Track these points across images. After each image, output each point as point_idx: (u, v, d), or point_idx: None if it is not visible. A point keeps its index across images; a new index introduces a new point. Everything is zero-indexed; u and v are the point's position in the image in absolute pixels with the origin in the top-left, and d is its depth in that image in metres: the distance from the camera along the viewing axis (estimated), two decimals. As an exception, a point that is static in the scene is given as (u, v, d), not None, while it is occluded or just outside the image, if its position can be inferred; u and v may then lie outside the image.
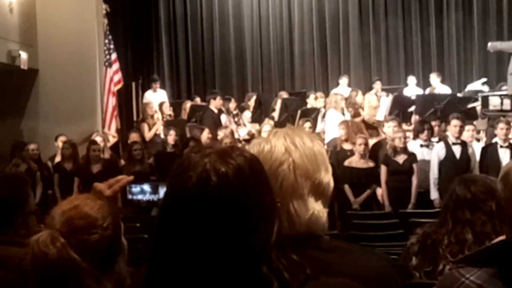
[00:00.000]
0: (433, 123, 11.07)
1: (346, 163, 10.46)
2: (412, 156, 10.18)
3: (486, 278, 2.07)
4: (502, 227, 2.19)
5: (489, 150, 10.31)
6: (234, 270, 1.57)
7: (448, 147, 10.10)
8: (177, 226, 1.61)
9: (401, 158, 10.13)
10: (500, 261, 2.07)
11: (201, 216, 1.58)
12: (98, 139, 11.94)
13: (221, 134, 11.98)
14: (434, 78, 17.06)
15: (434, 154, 10.21)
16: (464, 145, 10.13)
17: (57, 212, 2.28)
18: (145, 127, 14.20)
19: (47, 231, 2.17)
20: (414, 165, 10.11)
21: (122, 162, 12.11)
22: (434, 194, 9.99)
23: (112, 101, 13.70)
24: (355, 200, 10.27)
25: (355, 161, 10.47)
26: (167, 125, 13.84)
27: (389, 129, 10.95)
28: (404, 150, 10.18)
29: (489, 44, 13.63)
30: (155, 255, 1.66)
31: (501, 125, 10.29)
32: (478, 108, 13.35)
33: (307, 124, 12.11)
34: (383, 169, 10.23)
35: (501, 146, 10.16)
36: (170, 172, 1.69)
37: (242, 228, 1.58)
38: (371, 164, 10.50)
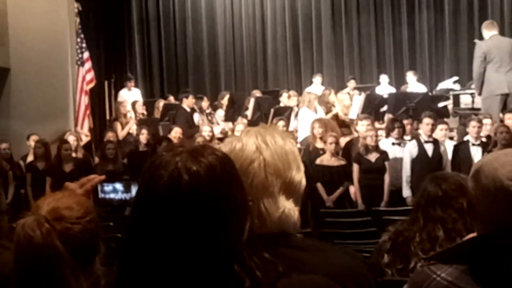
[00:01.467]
0: (405, 121, 11.11)
1: (318, 161, 10.49)
2: (384, 154, 10.21)
3: (457, 274, 2.08)
4: (473, 224, 2.20)
5: (461, 148, 10.36)
6: (206, 269, 1.56)
7: (420, 145, 10.14)
8: (148, 225, 1.60)
9: (373, 157, 10.16)
10: (471, 257, 2.08)
11: (173, 215, 1.58)
12: (71, 138, 11.87)
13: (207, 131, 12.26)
14: (411, 76, 17.09)
15: (407, 152, 10.24)
16: (436, 143, 10.18)
17: (43, 202, 2.32)
18: (118, 126, 14.14)
19: (33, 216, 2.15)
20: (386, 163, 10.14)
21: (96, 160, 12.08)
22: (406, 192, 10.02)
23: (85, 100, 13.63)
24: (329, 198, 10.30)
25: (326, 159, 10.50)
26: (140, 124, 13.82)
27: (362, 127, 10.97)
28: (376, 148, 10.20)
29: None
30: (127, 254, 1.65)
31: (473, 123, 10.36)
32: (450, 107, 13.45)
33: (281, 123, 12.12)
34: (355, 167, 10.25)
35: (473, 144, 10.22)
36: (142, 171, 1.69)
37: (214, 226, 1.58)
38: (342, 162, 10.54)
